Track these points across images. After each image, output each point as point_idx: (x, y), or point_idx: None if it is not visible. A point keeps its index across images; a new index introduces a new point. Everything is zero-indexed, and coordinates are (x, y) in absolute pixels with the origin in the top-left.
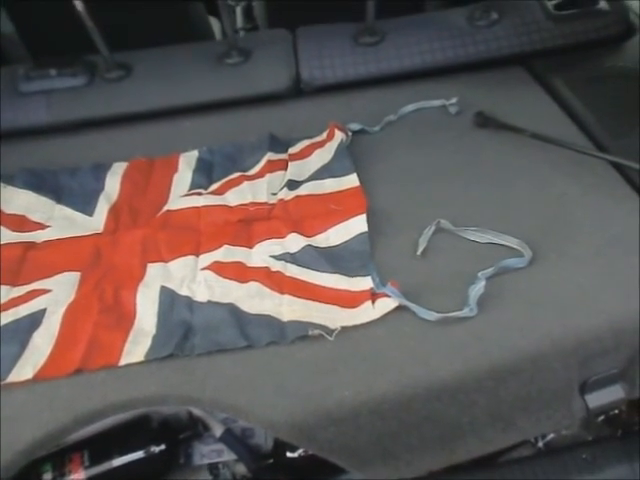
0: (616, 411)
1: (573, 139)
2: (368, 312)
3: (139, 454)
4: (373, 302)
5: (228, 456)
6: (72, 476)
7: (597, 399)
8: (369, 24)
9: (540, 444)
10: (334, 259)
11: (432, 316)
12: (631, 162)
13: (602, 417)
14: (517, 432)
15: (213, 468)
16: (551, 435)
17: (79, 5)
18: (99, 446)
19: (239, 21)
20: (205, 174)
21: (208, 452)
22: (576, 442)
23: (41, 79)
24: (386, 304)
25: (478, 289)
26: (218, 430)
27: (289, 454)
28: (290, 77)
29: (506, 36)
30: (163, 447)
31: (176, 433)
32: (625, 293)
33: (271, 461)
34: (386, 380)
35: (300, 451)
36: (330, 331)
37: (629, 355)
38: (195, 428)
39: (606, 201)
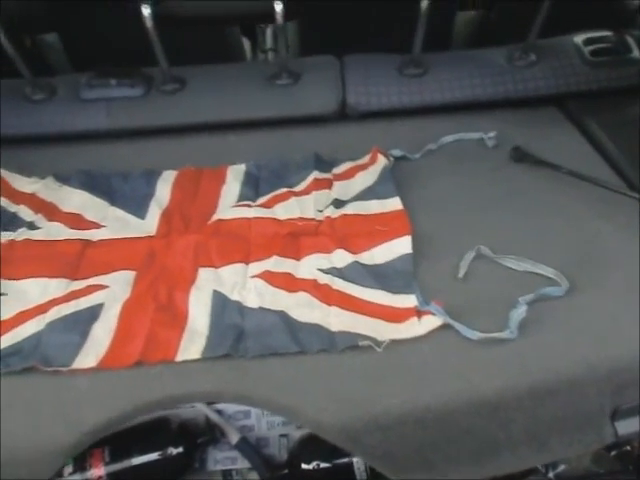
0: (628, 447)
1: (606, 178)
2: (414, 328)
3: (158, 455)
4: (419, 319)
5: (242, 464)
6: (92, 471)
7: (627, 427)
8: (414, 56)
9: (551, 474)
10: (379, 276)
11: (475, 335)
12: None
13: (615, 452)
14: (549, 452)
15: (227, 475)
16: (562, 466)
17: (148, 22)
18: (120, 444)
19: (269, 42)
20: (252, 187)
21: (222, 458)
22: (587, 475)
23: (102, 87)
24: (431, 321)
25: (520, 313)
26: (234, 437)
27: (304, 465)
28: (337, 101)
29: (543, 77)
30: (181, 450)
31: (194, 437)
32: None
33: (286, 471)
34: (431, 392)
35: (315, 463)
36: (378, 343)
37: None
38: (212, 434)
39: (637, 239)
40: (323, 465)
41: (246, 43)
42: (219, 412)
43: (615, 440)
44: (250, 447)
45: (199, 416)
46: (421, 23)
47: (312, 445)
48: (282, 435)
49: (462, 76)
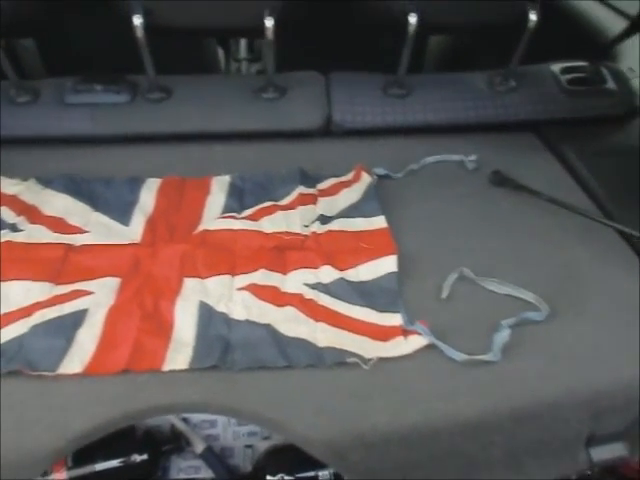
0: (589, 472)
1: (583, 206)
2: (401, 346)
3: (121, 461)
4: (405, 338)
5: (205, 473)
6: (54, 476)
7: (601, 453)
8: (399, 77)
9: None
10: (364, 294)
11: (460, 357)
12: (634, 231)
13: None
14: (525, 474)
15: None
16: None
17: (139, 32)
18: (83, 449)
19: (242, 52)
20: (237, 199)
21: (186, 467)
22: None
23: (87, 93)
24: (417, 341)
25: (503, 336)
26: (199, 446)
27: (269, 477)
28: (322, 117)
29: (522, 103)
30: (145, 457)
31: (159, 445)
32: (637, 355)
33: None
34: (416, 411)
35: (280, 476)
36: (365, 360)
37: (636, 416)
38: (177, 442)
39: (614, 265)
40: (288, 478)
41: (219, 52)
42: (185, 420)
43: (589, 466)
44: (215, 457)
45: (165, 424)
46: (407, 45)
47: (278, 457)
48: (247, 446)
49: (445, 98)
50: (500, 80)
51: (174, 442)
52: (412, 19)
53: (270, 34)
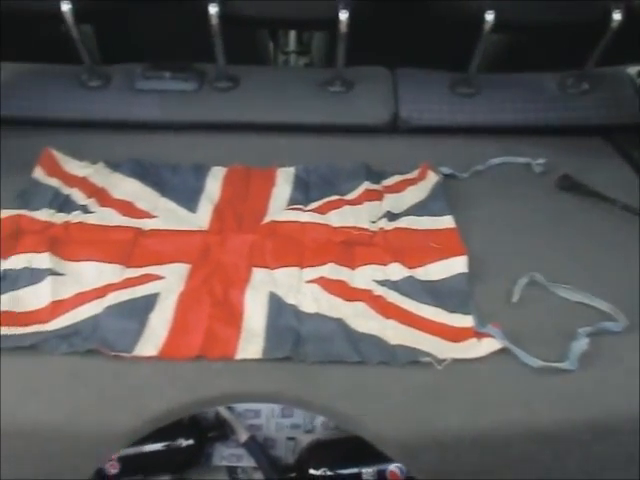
0: None
1: None
2: (474, 349)
3: (168, 445)
4: (478, 340)
5: (247, 462)
6: None
7: None
8: (469, 76)
9: None
10: (434, 293)
11: (535, 363)
12: None
13: None
14: None
15: (232, 472)
16: None
17: (214, 20)
18: None
19: (292, 45)
20: (302, 191)
21: (228, 455)
22: None
23: (156, 79)
24: (491, 344)
25: (581, 345)
26: (243, 435)
27: (312, 471)
28: (389, 113)
29: (595, 107)
30: (191, 442)
31: (205, 431)
32: None
33: (294, 475)
34: (491, 416)
35: (322, 470)
36: (439, 360)
37: None
38: (222, 429)
39: None
40: (331, 473)
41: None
42: (229, 409)
43: None
44: (258, 446)
45: (210, 411)
46: (481, 43)
47: (322, 452)
48: (290, 438)
49: (514, 99)
50: (572, 82)
51: (219, 429)
52: (489, 17)
53: (344, 27)
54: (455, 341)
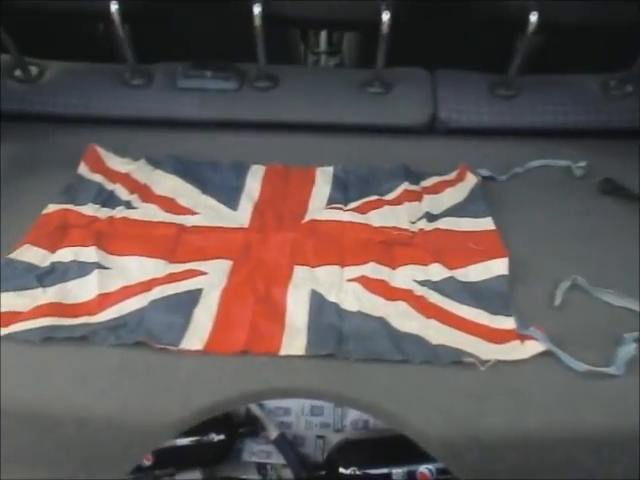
0: None
1: None
2: (517, 351)
3: (200, 439)
4: (521, 342)
5: (276, 459)
6: None
7: None
8: (508, 78)
9: None
10: (475, 294)
11: (580, 367)
12: None
13: None
14: None
15: (262, 468)
16: None
17: (257, 20)
18: None
19: (322, 45)
20: (341, 191)
21: (258, 451)
22: None
23: (197, 78)
24: (534, 347)
25: (629, 350)
26: (273, 432)
27: (342, 470)
28: (427, 114)
29: (638, 110)
30: (222, 437)
31: (236, 427)
32: None
33: (323, 473)
34: (535, 418)
35: (352, 469)
36: (482, 361)
37: None
38: (253, 426)
39: None
40: (360, 472)
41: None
42: (260, 406)
43: None
44: (288, 444)
45: (241, 408)
46: (523, 44)
47: (351, 451)
48: (319, 436)
49: (554, 101)
50: (615, 84)
51: (250, 426)
52: (533, 17)
53: (386, 28)
54: (497, 343)
